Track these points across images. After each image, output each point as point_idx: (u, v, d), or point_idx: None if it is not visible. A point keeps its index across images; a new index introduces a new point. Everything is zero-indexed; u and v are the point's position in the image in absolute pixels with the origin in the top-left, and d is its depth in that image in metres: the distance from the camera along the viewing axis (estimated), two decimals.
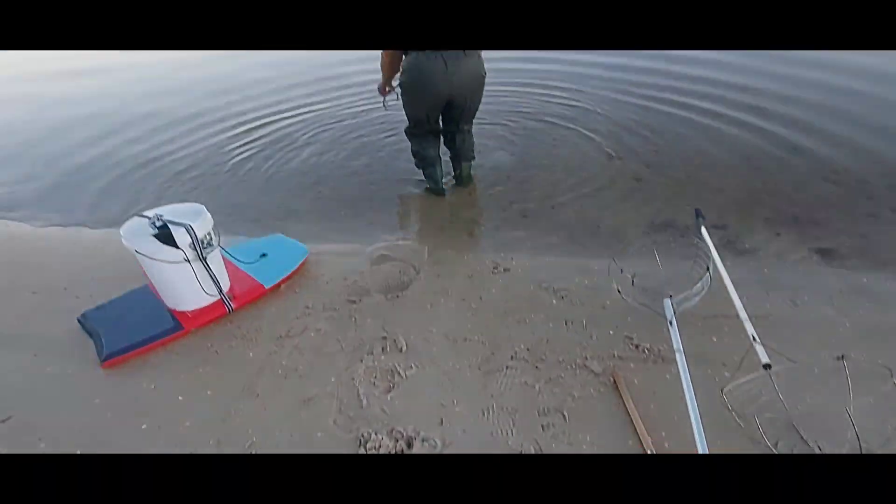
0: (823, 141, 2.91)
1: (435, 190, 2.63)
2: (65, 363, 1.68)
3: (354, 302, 1.86)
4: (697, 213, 2.22)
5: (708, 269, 1.56)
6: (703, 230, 2.05)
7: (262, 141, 3.54)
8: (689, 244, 1.97)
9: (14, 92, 5.36)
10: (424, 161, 2.60)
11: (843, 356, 1.36)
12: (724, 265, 1.76)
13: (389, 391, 1.49)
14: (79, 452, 1.38)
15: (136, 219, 1.75)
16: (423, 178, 2.71)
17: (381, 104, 2.79)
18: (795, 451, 1.24)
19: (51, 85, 5.42)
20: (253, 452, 1.34)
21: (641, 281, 1.81)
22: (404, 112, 2.49)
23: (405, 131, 2.60)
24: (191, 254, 1.68)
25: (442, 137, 2.61)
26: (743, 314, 1.49)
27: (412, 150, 2.62)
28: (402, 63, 2.32)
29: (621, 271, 1.80)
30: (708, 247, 1.90)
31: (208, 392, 1.54)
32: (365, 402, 1.46)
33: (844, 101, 3.47)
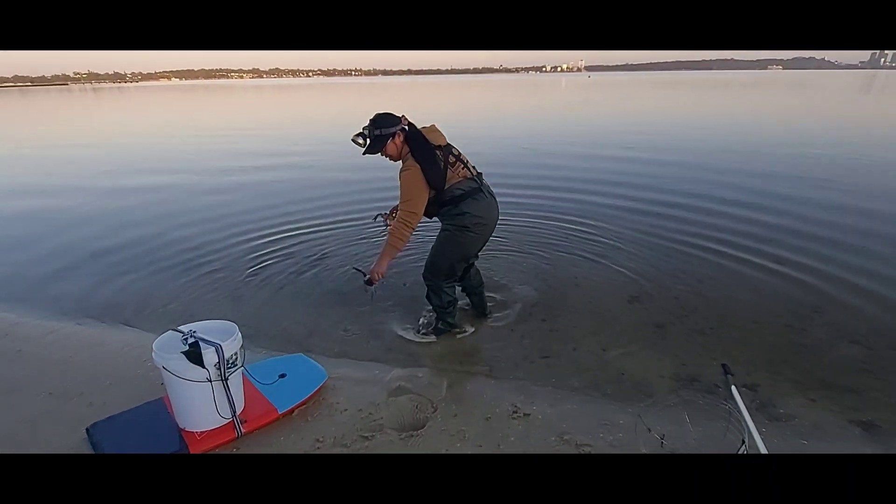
0: (849, 297, 2.92)
1: (453, 325, 2.59)
2: None
3: (367, 439, 1.79)
4: (725, 370, 2.15)
5: (744, 441, 1.48)
6: (734, 389, 1.98)
7: (291, 252, 3.75)
8: (718, 403, 1.89)
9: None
10: (452, 304, 2.52)
11: None
12: (760, 432, 1.67)
13: None
14: None
15: (170, 332, 1.81)
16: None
17: (370, 296, 2.54)
18: None
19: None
20: None
21: (671, 443, 1.71)
22: (446, 262, 2.35)
23: (436, 282, 2.41)
24: (214, 373, 1.70)
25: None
26: None
27: (441, 300, 2.46)
28: (459, 208, 2.22)
29: (649, 430, 1.72)
30: (739, 409, 1.82)
31: None
32: None
33: (871, 252, 3.55)
